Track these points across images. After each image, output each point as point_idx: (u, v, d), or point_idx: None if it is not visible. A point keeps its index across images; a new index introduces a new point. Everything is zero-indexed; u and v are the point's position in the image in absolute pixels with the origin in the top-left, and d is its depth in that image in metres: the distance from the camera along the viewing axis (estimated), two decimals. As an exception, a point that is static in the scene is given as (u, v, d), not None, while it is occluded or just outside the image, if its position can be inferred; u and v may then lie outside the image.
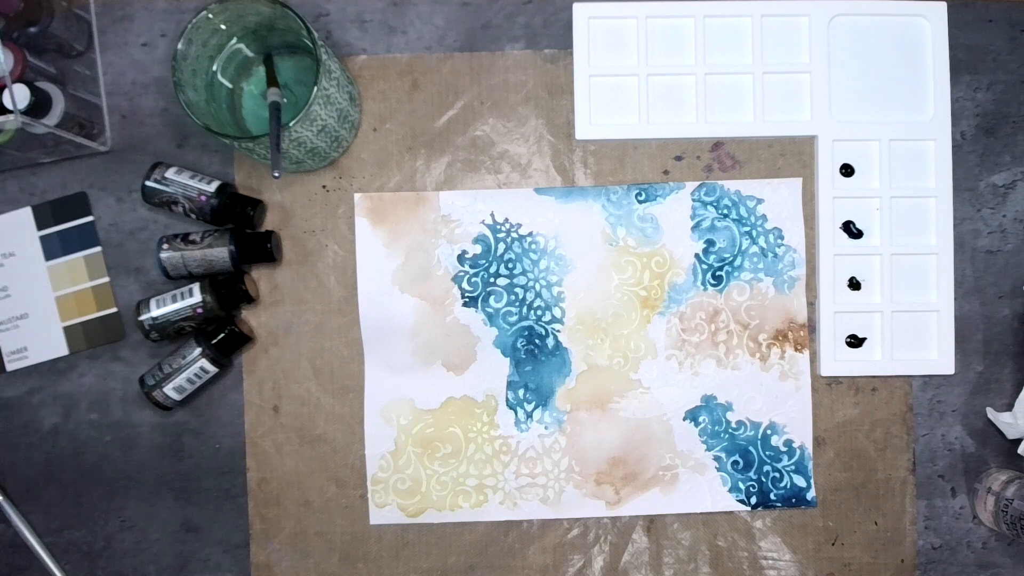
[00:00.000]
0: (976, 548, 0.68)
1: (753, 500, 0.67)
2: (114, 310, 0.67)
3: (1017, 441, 0.66)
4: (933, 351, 0.67)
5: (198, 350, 0.64)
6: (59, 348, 0.67)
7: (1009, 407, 0.67)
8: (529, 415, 0.67)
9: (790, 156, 0.68)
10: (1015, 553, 0.68)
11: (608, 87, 0.67)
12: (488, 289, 0.67)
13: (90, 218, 0.67)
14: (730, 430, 0.67)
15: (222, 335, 0.65)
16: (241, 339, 0.65)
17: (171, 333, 0.64)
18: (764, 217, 0.67)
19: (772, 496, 0.67)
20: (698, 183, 0.67)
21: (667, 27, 0.67)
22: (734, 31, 0.67)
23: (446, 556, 0.67)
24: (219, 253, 0.64)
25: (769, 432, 0.67)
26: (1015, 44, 0.69)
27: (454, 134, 0.68)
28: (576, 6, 0.67)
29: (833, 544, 0.67)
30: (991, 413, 0.67)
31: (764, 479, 0.67)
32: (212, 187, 0.64)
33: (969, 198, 0.68)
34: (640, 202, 0.67)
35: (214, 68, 0.63)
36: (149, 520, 0.67)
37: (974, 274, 0.68)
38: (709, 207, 0.67)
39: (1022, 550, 0.68)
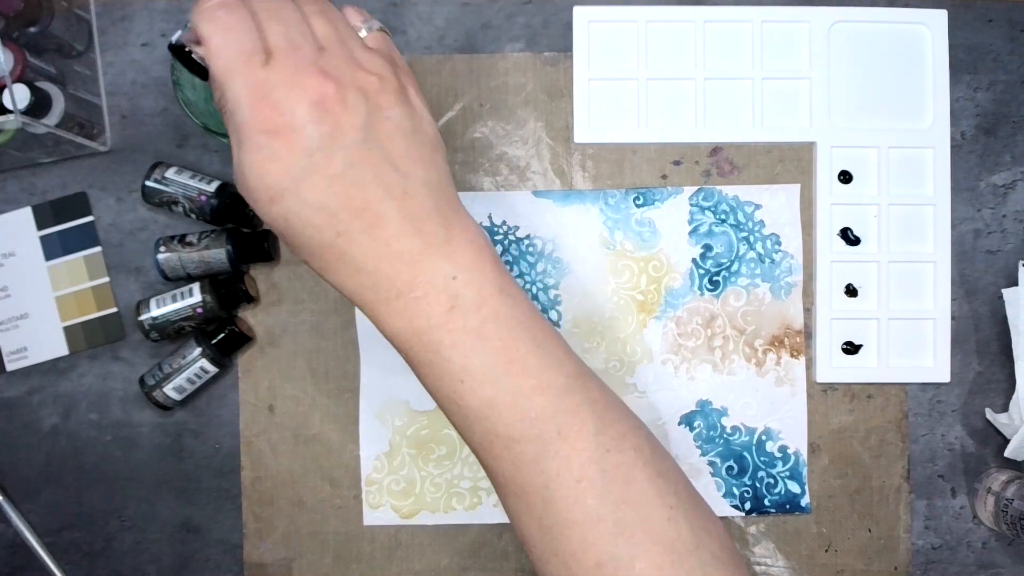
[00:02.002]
0: (976, 548, 0.68)
1: (747, 506, 0.67)
2: (114, 310, 0.68)
3: (1018, 442, 0.66)
4: (929, 359, 0.67)
5: (198, 350, 0.64)
6: (59, 348, 0.68)
7: (1007, 407, 0.67)
8: (525, 418, 0.67)
9: (789, 162, 0.67)
10: (1015, 553, 0.68)
11: (607, 91, 0.67)
12: (485, 292, 0.67)
13: (90, 218, 0.68)
14: (725, 435, 0.67)
15: (222, 335, 0.65)
16: (241, 339, 0.66)
17: (171, 333, 0.65)
18: (762, 223, 0.67)
19: (766, 502, 0.67)
20: (696, 188, 0.67)
21: (667, 32, 0.67)
22: (734, 37, 0.67)
23: (439, 558, 0.67)
24: (216, 254, 0.64)
25: (764, 438, 0.67)
26: (1015, 44, 0.68)
27: (453, 136, 0.68)
28: (576, 9, 0.67)
29: (827, 551, 0.67)
30: (990, 414, 0.67)
31: (758, 485, 0.67)
32: (212, 187, 0.64)
33: (969, 198, 0.68)
34: (638, 206, 0.67)
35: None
36: (149, 520, 0.68)
37: (974, 274, 0.68)
38: (707, 212, 0.67)
39: (1022, 550, 0.68)
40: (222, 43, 0.40)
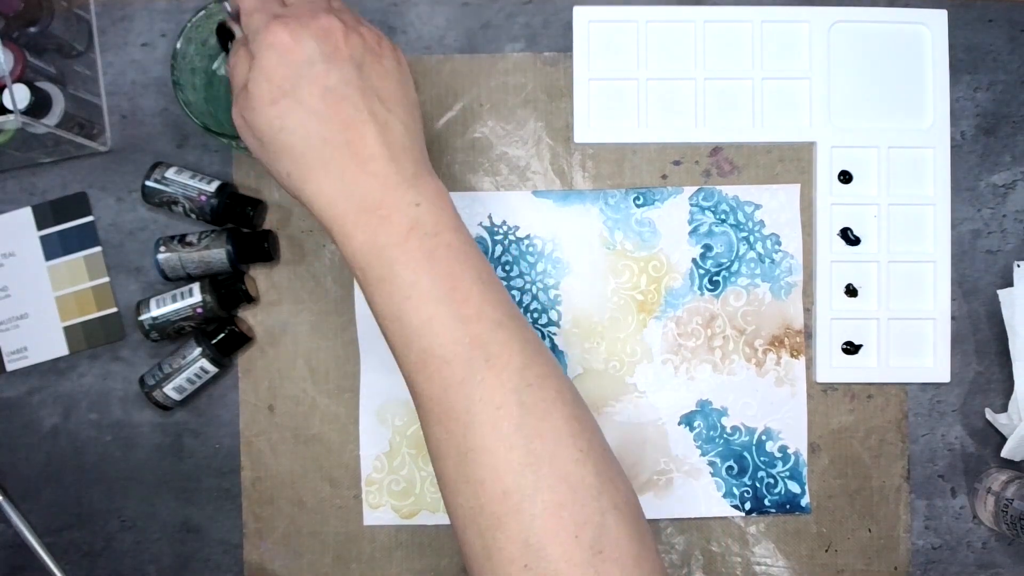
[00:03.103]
0: (976, 548, 0.68)
1: (747, 506, 0.67)
2: (114, 310, 0.68)
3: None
4: (929, 359, 0.67)
5: (198, 350, 0.64)
6: (59, 348, 0.68)
7: (1007, 407, 0.67)
8: (525, 418, 0.67)
9: (789, 162, 0.67)
10: (1015, 553, 0.68)
11: (607, 91, 0.67)
12: (485, 292, 0.67)
13: (90, 218, 0.68)
14: (725, 435, 0.67)
15: (222, 335, 0.65)
16: (241, 339, 0.66)
17: (171, 333, 0.65)
18: (762, 223, 0.67)
19: (766, 502, 0.67)
20: (696, 188, 0.67)
21: (667, 32, 0.67)
22: (734, 36, 0.67)
23: (439, 558, 0.67)
24: (216, 254, 0.64)
25: (764, 438, 0.67)
26: (1015, 44, 0.68)
27: (453, 136, 0.68)
28: (576, 9, 0.67)
29: (827, 551, 0.67)
30: (989, 414, 0.67)
31: (759, 485, 0.67)
32: (212, 187, 0.64)
33: (969, 198, 0.68)
34: (638, 206, 0.67)
35: (213, 67, 0.64)
36: (149, 520, 0.68)
37: (974, 274, 0.68)
38: (707, 212, 0.67)
39: (1022, 550, 0.68)
40: None
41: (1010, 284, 0.66)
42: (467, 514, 0.45)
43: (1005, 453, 0.66)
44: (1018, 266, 0.66)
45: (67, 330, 0.68)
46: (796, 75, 0.67)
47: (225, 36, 0.60)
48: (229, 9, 0.52)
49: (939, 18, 0.67)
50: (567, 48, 0.68)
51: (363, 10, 0.67)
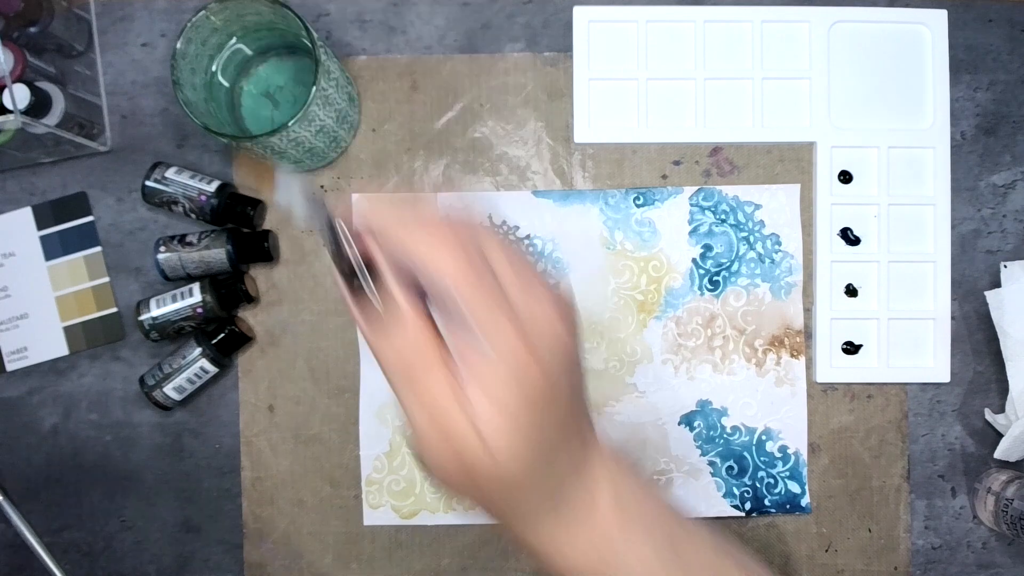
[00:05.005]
0: (976, 548, 0.68)
1: (747, 506, 0.67)
2: (114, 310, 0.68)
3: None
4: (929, 359, 0.67)
5: (198, 350, 0.64)
6: (59, 348, 0.68)
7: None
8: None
9: (789, 162, 0.67)
10: (1015, 553, 0.68)
11: (607, 91, 0.67)
12: (485, 292, 0.67)
13: (90, 218, 0.68)
14: (725, 435, 0.67)
15: (222, 335, 0.65)
16: (241, 339, 0.66)
17: (171, 333, 0.65)
18: (762, 223, 0.67)
19: (766, 502, 0.67)
20: (696, 188, 0.67)
21: (667, 32, 0.67)
22: (734, 36, 0.67)
23: (439, 557, 0.67)
24: (216, 254, 0.64)
25: (764, 438, 0.67)
26: (1015, 44, 0.69)
27: (453, 136, 0.68)
28: (576, 9, 0.67)
29: (827, 551, 0.67)
30: (988, 414, 0.67)
31: (759, 485, 0.67)
32: (212, 187, 0.64)
33: (969, 198, 0.68)
34: (638, 206, 0.67)
35: (213, 68, 0.63)
36: (149, 520, 0.68)
37: (974, 274, 0.68)
38: (707, 212, 0.67)
39: (1022, 550, 0.68)
40: (449, 266, 0.35)
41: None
42: None
43: (999, 454, 0.66)
44: (1004, 267, 0.66)
45: (67, 330, 0.68)
46: (796, 75, 0.67)
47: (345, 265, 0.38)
48: (344, 231, 0.36)
49: (939, 18, 0.67)
50: (567, 48, 0.68)
51: (363, 10, 0.68)
